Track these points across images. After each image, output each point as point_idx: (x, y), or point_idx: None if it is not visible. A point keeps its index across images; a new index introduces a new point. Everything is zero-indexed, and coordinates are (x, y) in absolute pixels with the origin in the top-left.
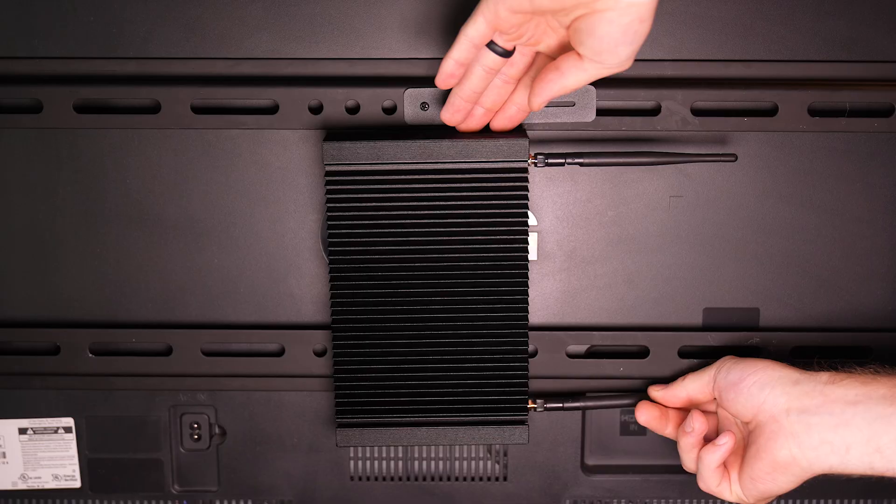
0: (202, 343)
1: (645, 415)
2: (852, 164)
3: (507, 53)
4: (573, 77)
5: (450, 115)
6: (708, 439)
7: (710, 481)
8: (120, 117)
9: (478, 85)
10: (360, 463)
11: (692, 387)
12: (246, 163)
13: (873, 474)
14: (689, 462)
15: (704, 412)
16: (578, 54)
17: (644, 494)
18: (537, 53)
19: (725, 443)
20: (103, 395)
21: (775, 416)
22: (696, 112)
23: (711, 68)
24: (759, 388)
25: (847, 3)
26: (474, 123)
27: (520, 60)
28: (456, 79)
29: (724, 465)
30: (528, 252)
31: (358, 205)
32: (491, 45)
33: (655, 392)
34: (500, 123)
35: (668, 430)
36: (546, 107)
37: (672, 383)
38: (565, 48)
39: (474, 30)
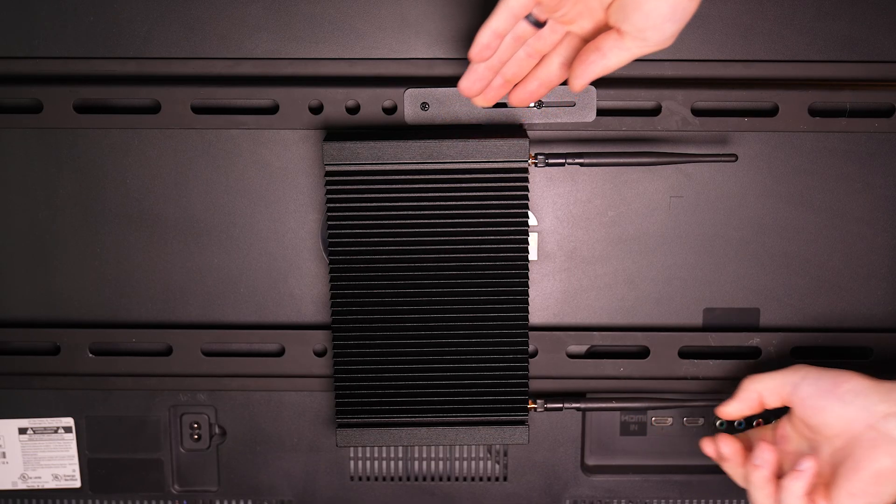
0: (202, 343)
1: (728, 448)
2: (852, 164)
3: (539, 24)
4: (615, 57)
5: (469, 83)
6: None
7: None
8: (120, 117)
9: (504, 53)
10: (360, 463)
11: (762, 386)
12: (246, 163)
13: None
14: (763, 499)
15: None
16: (619, 32)
17: (644, 494)
18: (567, 33)
19: (809, 467)
20: (103, 395)
21: (873, 424)
22: (697, 112)
23: (711, 68)
24: (853, 396)
25: (847, 3)
26: (492, 94)
27: (549, 36)
28: (492, 51)
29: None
30: (528, 252)
31: (358, 205)
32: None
33: (727, 409)
34: (518, 97)
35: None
36: (546, 107)
37: (737, 393)
38: (598, 32)
39: (517, 1)
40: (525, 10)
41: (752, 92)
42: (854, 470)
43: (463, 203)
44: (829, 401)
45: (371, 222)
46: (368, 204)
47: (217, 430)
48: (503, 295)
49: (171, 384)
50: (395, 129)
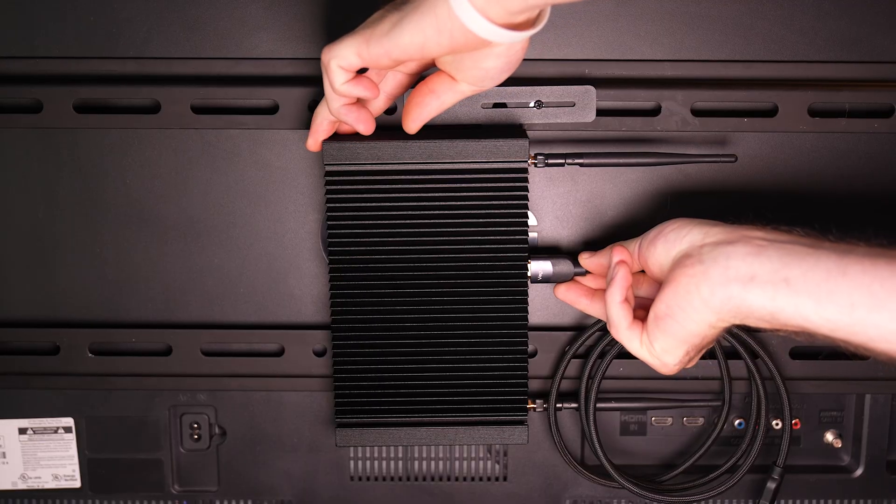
0: (202, 343)
1: (563, 292)
2: (852, 164)
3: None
4: (450, 98)
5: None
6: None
7: (618, 321)
8: (120, 117)
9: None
10: (360, 463)
11: (619, 254)
12: (246, 163)
13: (773, 321)
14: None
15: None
16: (454, 79)
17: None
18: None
19: (619, 271)
20: (103, 395)
21: (689, 251)
22: (696, 112)
23: (711, 69)
24: (676, 234)
25: (847, 3)
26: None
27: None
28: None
29: (638, 320)
30: (528, 252)
31: (358, 205)
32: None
33: (585, 258)
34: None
35: (582, 304)
36: (546, 107)
37: (600, 251)
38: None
39: (345, 60)
40: (352, 68)
41: (752, 92)
42: (661, 292)
43: (463, 203)
44: (657, 244)
45: (371, 222)
46: (368, 204)
47: (217, 430)
48: (503, 295)
49: (171, 384)
50: (395, 129)
